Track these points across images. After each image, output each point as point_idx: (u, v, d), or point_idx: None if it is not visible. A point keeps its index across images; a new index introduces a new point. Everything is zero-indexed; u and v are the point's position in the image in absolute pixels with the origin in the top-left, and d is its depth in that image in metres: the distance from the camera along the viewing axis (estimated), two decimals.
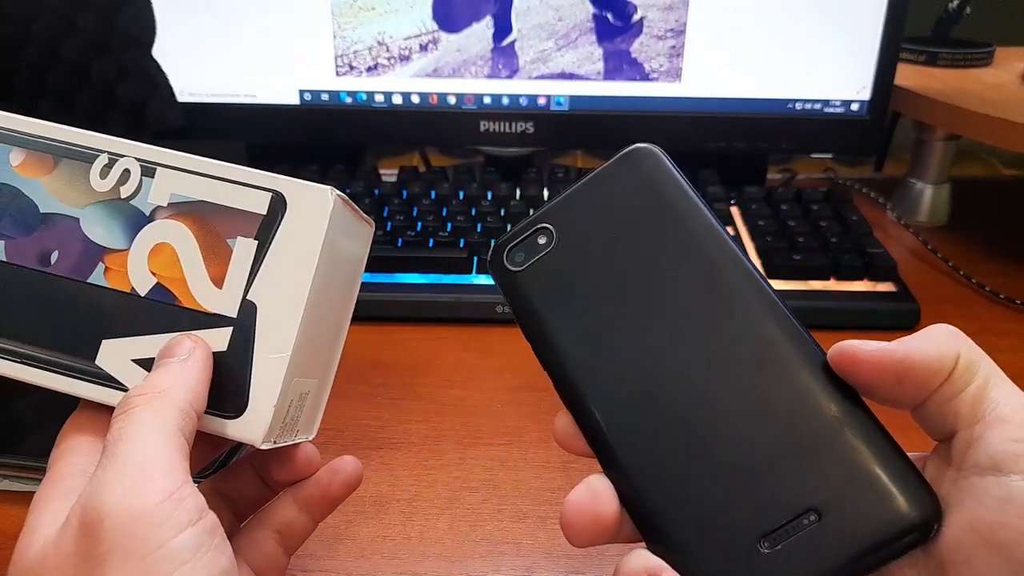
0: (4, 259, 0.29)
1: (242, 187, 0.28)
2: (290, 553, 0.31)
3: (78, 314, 0.28)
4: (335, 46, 0.61)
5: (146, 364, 0.27)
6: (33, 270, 0.29)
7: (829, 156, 0.89)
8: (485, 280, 0.54)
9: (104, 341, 0.28)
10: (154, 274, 0.28)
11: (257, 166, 0.29)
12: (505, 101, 0.62)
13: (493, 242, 0.27)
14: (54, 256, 0.29)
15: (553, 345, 0.26)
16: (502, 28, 0.60)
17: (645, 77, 0.61)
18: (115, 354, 0.28)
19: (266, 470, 0.31)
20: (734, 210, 0.62)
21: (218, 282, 0.28)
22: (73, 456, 0.26)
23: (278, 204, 0.28)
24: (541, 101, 0.62)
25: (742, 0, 0.59)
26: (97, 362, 0.28)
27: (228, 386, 0.27)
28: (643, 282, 0.26)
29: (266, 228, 0.28)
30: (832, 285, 0.54)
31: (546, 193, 0.63)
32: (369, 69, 0.61)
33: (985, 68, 0.73)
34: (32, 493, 0.37)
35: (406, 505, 0.38)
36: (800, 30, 0.60)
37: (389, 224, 0.58)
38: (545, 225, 0.27)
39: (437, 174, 0.65)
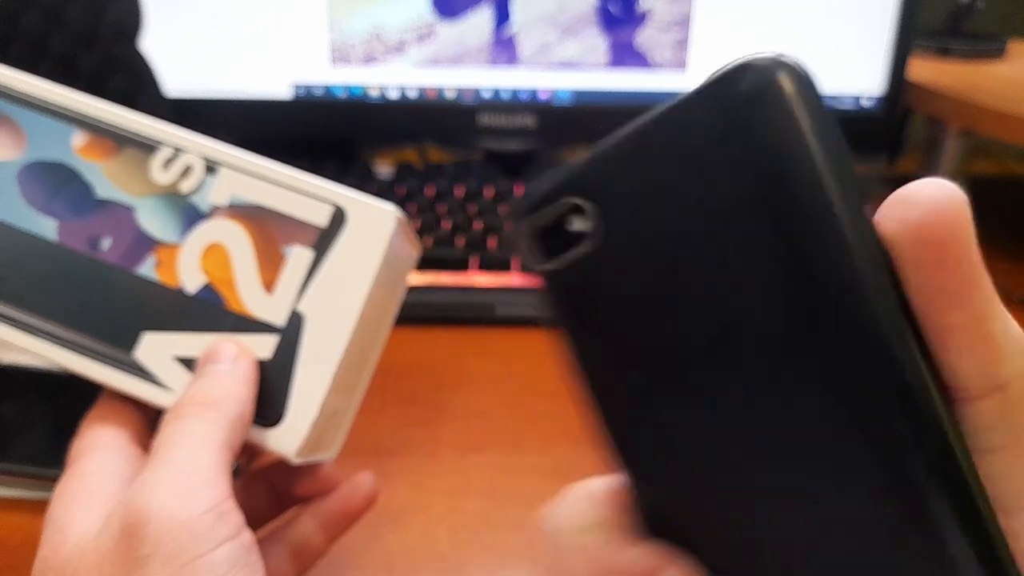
0: (56, 240, 0.28)
1: (304, 196, 0.28)
2: (300, 575, 0.30)
3: (122, 303, 0.28)
4: (330, 38, 0.59)
5: (186, 362, 0.27)
6: (82, 254, 0.28)
7: None
8: (484, 280, 0.53)
9: (145, 334, 0.28)
10: (205, 273, 0.28)
11: None
12: (505, 95, 0.61)
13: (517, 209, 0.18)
14: (105, 242, 0.28)
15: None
16: (502, 18, 0.59)
17: (650, 69, 0.60)
18: (155, 348, 0.27)
19: (284, 484, 0.31)
20: None
21: (268, 288, 0.27)
22: (98, 452, 0.26)
23: (338, 218, 0.28)
24: (543, 96, 0.61)
25: None
26: (135, 354, 0.28)
27: (267, 395, 0.27)
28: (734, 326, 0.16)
29: (324, 240, 0.27)
30: None
31: None
32: (365, 61, 0.60)
33: (998, 61, 0.72)
34: (20, 499, 0.37)
35: (403, 513, 0.37)
36: (810, 22, 0.58)
37: None
38: (580, 200, 0.17)
39: (434, 170, 0.63)
